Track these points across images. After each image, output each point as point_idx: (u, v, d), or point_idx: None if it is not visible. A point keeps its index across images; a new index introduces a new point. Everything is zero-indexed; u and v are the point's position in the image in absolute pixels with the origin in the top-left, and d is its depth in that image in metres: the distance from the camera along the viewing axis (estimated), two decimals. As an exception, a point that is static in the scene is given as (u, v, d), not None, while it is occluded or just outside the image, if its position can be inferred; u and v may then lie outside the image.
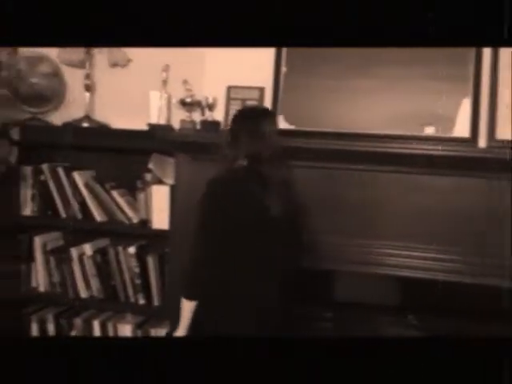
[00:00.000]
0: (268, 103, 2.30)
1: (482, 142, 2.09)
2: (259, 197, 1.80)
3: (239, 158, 1.85)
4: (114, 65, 2.54)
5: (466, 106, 2.10)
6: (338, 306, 2.37)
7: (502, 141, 2.04)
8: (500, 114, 2.07)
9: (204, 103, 2.32)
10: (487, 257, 2.06)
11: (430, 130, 2.13)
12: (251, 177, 1.84)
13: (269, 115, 1.97)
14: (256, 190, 1.81)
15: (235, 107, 2.30)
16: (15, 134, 2.34)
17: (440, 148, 2.05)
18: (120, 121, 2.50)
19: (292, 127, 2.26)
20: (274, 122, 1.98)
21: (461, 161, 2.05)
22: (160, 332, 2.44)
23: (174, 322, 1.93)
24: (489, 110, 2.08)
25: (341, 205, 2.22)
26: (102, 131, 2.51)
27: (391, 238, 2.19)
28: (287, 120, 2.27)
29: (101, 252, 2.50)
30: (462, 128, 2.09)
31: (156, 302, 2.42)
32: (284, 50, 2.28)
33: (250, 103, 2.30)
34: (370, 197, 2.20)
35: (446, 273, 2.12)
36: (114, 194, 2.46)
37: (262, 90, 2.32)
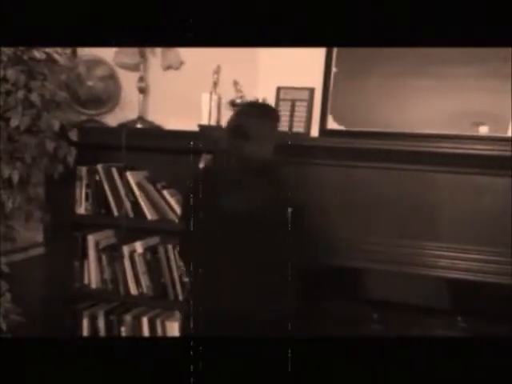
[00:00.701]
0: (318, 104, 2.32)
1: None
2: (223, 193, 1.85)
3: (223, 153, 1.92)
4: (168, 67, 2.60)
5: (523, 104, 2.05)
6: (385, 307, 2.33)
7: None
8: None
9: (254, 104, 2.35)
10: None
11: (483, 130, 2.09)
12: (222, 172, 1.90)
13: (260, 116, 1.92)
14: (222, 186, 1.87)
15: (286, 108, 2.34)
16: (73, 135, 2.41)
17: (493, 148, 2.02)
18: (172, 122, 2.55)
19: (341, 127, 2.27)
20: (264, 123, 1.90)
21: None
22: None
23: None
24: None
25: (393, 205, 2.21)
26: (155, 132, 2.58)
27: (442, 239, 2.17)
28: (336, 120, 2.28)
29: (151, 250, 2.55)
30: (513, 127, 2.05)
31: (204, 299, 2.45)
32: (334, 51, 2.29)
33: (299, 104, 2.32)
34: (422, 197, 2.18)
35: (496, 275, 2.08)
36: (165, 193, 2.52)
37: (311, 90, 2.33)
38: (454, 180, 2.13)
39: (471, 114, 2.10)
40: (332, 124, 2.27)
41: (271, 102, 2.37)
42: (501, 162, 2.03)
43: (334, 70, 2.30)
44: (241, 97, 2.38)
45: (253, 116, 1.91)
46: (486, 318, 2.20)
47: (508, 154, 1.99)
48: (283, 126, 2.33)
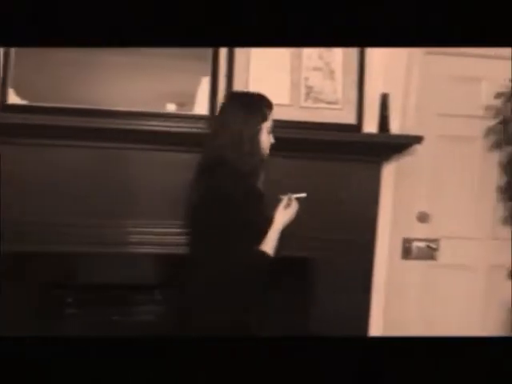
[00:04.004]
0: (-4, 76, 2.07)
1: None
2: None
3: None
4: None
5: (205, 84, 2.14)
6: (85, 290, 2.23)
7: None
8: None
9: None
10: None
11: (171, 108, 2.13)
12: None
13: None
14: None
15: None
16: None
17: (181, 125, 2.08)
18: None
19: (24, 102, 2.06)
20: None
21: (200, 137, 2.08)
22: None
23: None
24: (226, 89, 2.16)
25: (86, 184, 2.11)
26: None
27: (140, 216, 2.16)
28: (19, 94, 2.07)
29: None
30: (201, 106, 2.14)
31: None
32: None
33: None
34: (115, 175, 2.13)
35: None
36: None
37: (-11, 59, 2.07)
38: (148, 157, 2.13)
39: (161, 92, 2.12)
40: (14, 98, 2.05)
41: None
42: (188, 138, 2.08)
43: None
44: None
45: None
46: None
47: (193, 130, 2.07)
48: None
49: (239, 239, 1.58)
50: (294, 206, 1.72)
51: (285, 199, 1.71)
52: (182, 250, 2.14)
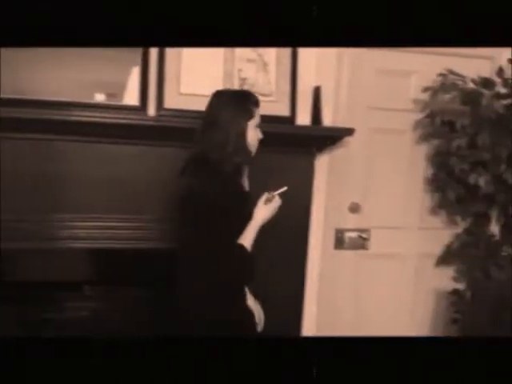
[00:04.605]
0: None
1: (152, 111, 2.14)
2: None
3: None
4: None
5: (135, 74, 2.11)
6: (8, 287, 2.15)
7: (170, 109, 2.12)
8: (167, 84, 2.13)
9: None
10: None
11: (100, 98, 2.08)
12: None
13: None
14: None
15: None
16: None
17: (112, 116, 2.03)
18: None
19: None
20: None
21: (131, 128, 2.05)
22: None
23: None
24: (157, 79, 2.13)
25: (23, 178, 2.05)
26: None
27: (77, 210, 2.12)
28: None
29: None
30: (131, 96, 2.10)
31: None
32: None
33: None
34: (50, 168, 2.07)
35: (130, 240, 2.15)
36: None
37: None
38: (85, 149, 2.09)
39: (89, 81, 2.07)
40: None
41: None
42: (119, 130, 2.05)
43: None
44: None
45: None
46: (115, 284, 2.25)
47: (125, 121, 2.03)
48: None
49: (221, 238, 1.58)
50: (276, 202, 1.70)
51: (264, 196, 1.70)
52: (114, 245, 2.14)
